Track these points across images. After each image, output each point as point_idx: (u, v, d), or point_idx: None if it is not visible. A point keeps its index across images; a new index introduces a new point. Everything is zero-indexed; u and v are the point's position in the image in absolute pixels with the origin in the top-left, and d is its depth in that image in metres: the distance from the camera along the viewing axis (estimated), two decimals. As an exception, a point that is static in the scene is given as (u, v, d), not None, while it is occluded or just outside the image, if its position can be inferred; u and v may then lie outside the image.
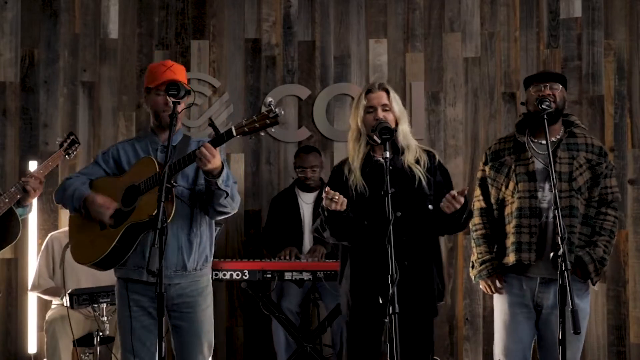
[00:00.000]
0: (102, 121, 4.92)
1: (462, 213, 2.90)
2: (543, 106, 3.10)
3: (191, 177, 3.05)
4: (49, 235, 4.51)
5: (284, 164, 4.96)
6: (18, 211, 3.64)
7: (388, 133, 2.82)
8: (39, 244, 4.60)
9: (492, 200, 3.37)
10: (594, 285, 3.25)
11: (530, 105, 3.29)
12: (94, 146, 4.86)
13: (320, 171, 4.62)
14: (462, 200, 2.84)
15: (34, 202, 3.91)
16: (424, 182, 3.00)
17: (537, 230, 3.19)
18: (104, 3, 4.96)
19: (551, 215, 3.18)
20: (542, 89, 3.24)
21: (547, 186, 3.22)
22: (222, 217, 3.11)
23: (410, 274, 2.93)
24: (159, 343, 2.58)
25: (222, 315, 4.83)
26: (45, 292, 4.39)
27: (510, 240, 3.24)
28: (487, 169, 3.40)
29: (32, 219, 4.63)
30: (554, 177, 2.92)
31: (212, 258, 3.19)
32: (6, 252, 4.62)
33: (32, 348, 4.66)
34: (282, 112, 2.73)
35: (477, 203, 3.42)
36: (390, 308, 2.54)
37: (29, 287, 4.53)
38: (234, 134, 2.75)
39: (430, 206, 3.00)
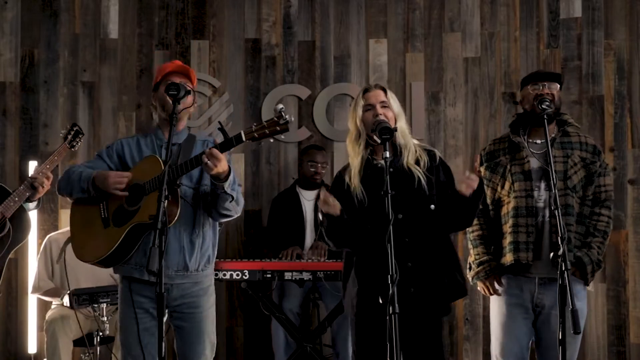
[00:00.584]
0: (102, 121, 4.92)
1: (481, 194, 2.88)
2: (543, 106, 3.10)
3: (196, 177, 3.04)
4: (47, 237, 4.51)
5: (284, 164, 4.96)
6: (29, 206, 3.65)
7: (388, 133, 2.80)
8: (39, 244, 4.60)
9: (488, 201, 3.36)
10: (587, 285, 3.26)
11: (526, 104, 3.28)
12: (94, 146, 4.86)
13: (327, 170, 4.65)
14: (476, 178, 2.82)
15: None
16: (423, 183, 2.98)
17: (534, 229, 3.19)
18: (104, 3, 4.96)
19: (547, 214, 3.18)
20: (541, 88, 3.24)
21: (542, 185, 3.22)
22: (224, 220, 3.10)
23: (414, 275, 2.92)
24: (158, 343, 2.58)
25: (222, 315, 4.83)
26: (45, 293, 4.39)
27: (508, 240, 3.24)
28: (482, 169, 3.40)
29: (32, 219, 4.61)
30: (554, 177, 2.92)
31: (215, 259, 3.18)
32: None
33: (32, 348, 4.67)
34: (293, 119, 2.71)
35: None
36: (390, 308, 2.54)
37: (30, 289, 4.53)
38: (244, 139, 2.73)
39: (432, 206, 2.99)
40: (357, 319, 3.04)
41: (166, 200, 2.73)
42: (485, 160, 3.39)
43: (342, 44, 4.99)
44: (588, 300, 3.45)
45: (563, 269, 2.73)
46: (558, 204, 2.85)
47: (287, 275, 4.09)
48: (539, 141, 3.24)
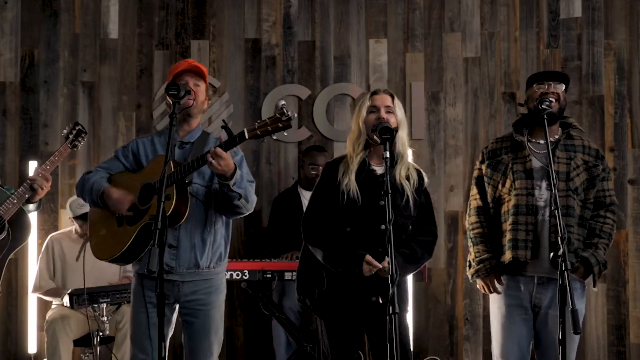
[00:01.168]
0: (102, 121, 4.92)
1: (401, 273, 2.91)
2: (543, 106, 3.10)
3: (208, 175, 3.05)
4: (49, 236, 4.52)
5: (284, 164, 4.96)
6: (29, 208, 3.64)
7: (388, 133, 2.81)
8: (39, 244, 4.60)
9: (489, 199, 3.36)
10: (594, 287, 3.25)
11: (530, 103, 3.28)
12: (94, 146, 4.86)
13: None
14: (385, 273, 2.82)
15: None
16: (411, 202, 3.02)
17: (533, 227, 3.19)
18: (104, 3, 4.96)
19: (547, 214, 3.18)
20: (546, 87, 3.24)
21: (544, 185, 3.22)
22: (236, 217, 3.12)
23: (381, 285, 2.89)
24: (158, 343, 2.59)
25: (222, 315, 4.84)
26: (46, 293, 4.39)
27: (507, 237, 3.24)
28: (483, 167, 3.39)
29: (32, 219, 4.61)
30: (554, 177, 2.92)
31: (227, 257, 3.20)
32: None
33: (32, 348, 4.67)
34: (295, 116, 2.72)
35: (474, 202, 3.41)
36: (391, 308, 2.54)
37: (30, 288, 4.53)
38: (247, 136, 2.75)
39: (410, 227, 3.04)
40: (328, 322, 3.02)
41: (174, 200, 2.81)
42: (487, 158, 3.39)
43: (342, 44, 4.99)
44: (588, 300, 3.46)
45: (563, 269, 2.73)
46: (558, 204, 2.85)
47: (287, 275, 4.09)
48: (541, 141, 3.24)
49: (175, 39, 4.97)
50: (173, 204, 2.86)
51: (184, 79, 3.06)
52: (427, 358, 4.73)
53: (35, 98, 4.87)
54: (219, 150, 2.77)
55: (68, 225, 4.62)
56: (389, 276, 2.59)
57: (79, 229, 4.44)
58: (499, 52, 4.91)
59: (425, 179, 3.13)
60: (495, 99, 4.89)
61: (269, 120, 2.71)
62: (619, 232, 4.60)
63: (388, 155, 2.75)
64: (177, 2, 4.98)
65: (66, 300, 4.06)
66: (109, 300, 4.03)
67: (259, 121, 2.75)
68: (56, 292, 4.34)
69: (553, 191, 2.88)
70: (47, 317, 4.28)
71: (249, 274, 4.09)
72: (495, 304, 3.34)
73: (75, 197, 4.07)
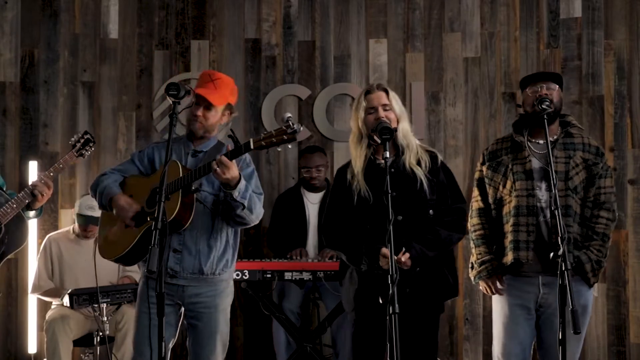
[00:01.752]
0: (102, 121, 4.92)
1: (420, 264, 2.96)
2: (543, 106, 3.10)
3: (217, 183, 3.05)
4: (47, 236, 4.51)
5: (284, 164, 4.96)
6: (29, 215, 3.62)
7: (388, 133, 2.85)
8: (39, 244, 4.60)
9: (490, 200, 3.36)
10: (591, 286, 3.24)
11: (527, 106, 3.28)
12: (94, 146, 4.85)
13: (326, 171, 4.63)
14: (407, 263, 2.90)
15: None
16: (425, 185, 3.02)
17: (534, 228, 3.19)
18: (104, 3, 4.96)
19: (548, 214, 3.18)
20: (539, 89, 3.24)
21: (544, 185, 3.22)
22: (241, 227, 3.15)
23: (412, 276, 2.96)
24: (159, 343, 2.59)
25: (222, 315, 4.84)
26: (45, 293, 4.39)
27: (508, 239, 3.24)
28: (484, 168, 3.40)
29: (32, 219, 4.63)
30: (554, 177, 2.92)
31: (234, 263, 3.21)
32: (6, 253, 4.63)
33: (32, 348, 4.66)
34: (301, 128, 2.75)
35: (475, 203, 3.42)
36: (390, 308, 2.55)
37: (30, 289, 4.53)
38: (252, 147, 2.79)
39: (430, 211, 3.03)
40: (357, 318, 3.06)
41: (177, 206, 2.86)
42: (488, 159, 3.39)
43: (342, 44, 4.99)
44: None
45: (563, 269, 2.73)
46: (558, 204, 2.85)
47: (287, 276, 4.09)
48: (541, 141, 3.24)
49: (175, 39, 4.97)
50: (176, 210, 2.90)
51: (199, 100, 3.07)
52: (427, 358, 4.73)
53: (35, 98, 4.87)
54: (224, 158, 2.80)
55: (68, 225, 4.62)
56: (390, 275, 2.60)
57: (77, 229, 4.44)
58: (499, 52, 4.91)
59: (439, 157, 3.13)
60: (495, 99, 4.89)
61: (275, 132, 2.75)
62: (619, 232, 4.60)
63: (388, 155, 2.79)
64: (177, 2, 4.98)
65: (66, 300, 4.06)
66: (109, 300, 4.03)
67: (264, 132, 2.79)
68: (55, 292, 4.34)
69: (553, 191, 2.88)
70: (47, 317, 4.28)
71: (249, 274, 4.09)
72: (499, 304, 3.34)
73: (88, 195, 4.05)
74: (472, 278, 3.39)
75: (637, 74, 4.74)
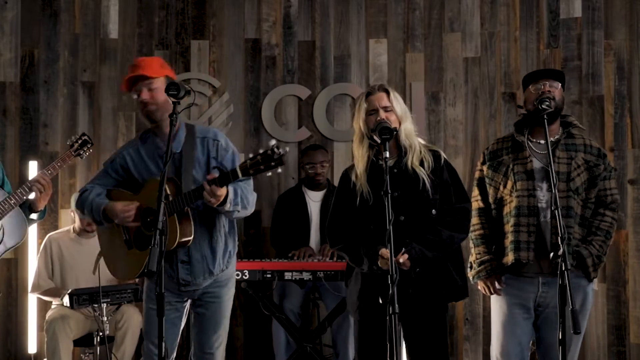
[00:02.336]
0: (102, 121, 4.92)
1: (419, 265, 2.97)
2: (543, 106, 3.09)
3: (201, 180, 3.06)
4: (47, 236, 4.51)
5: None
6: (33, 217, 3.61)
7: (388, 133, 2.85)
8: (39, 244, 4.60)
9: (490, 200, 3.36)
10: (590, 281, 3.24)
11: (529, 104, 3.27)
12: (94, 146, 4.84)
13: (328, 168, 4.64)
14: (407, 263, 2.90)
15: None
16: (428, 185, 3.01)
17: (535, 229, 3.19)
18: (104, 3, 4.96)
19: (549, 215, 3.17)
20: (542, 86, 3.23)
21: (545, 186, 3.22)
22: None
23: (414, 276, 2.97)
24: (159, 343, 2.60)
25: (222, 315, 4.83)
26: (45, 293, 4.39)
27: (509, 239, 3.24)
28: (484, 168, 3.39)
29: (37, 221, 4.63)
30: (554, 177, 2.92)
31: (236, 249, 3.25)
32: (6, 252, 4.62)
33: (32, 348, 4.66)
34: (287, 150, 2.75)
35: (475, 203, 3.41)
36: (390, 308, 2.55)
37: (29, 288, 4.53)
38: (239, 175, 2.79)
39: (433, 211, 3.02)
40: (360, 318, 3.06)
41: (178, 232, 2.91)
42: (488, 159, 3.39)
43: (342, 44, 4.99)
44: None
45: (563, 269, 2.73)
46: (558, 204, 2.85)
47: (287, 275, 4.09)
48: (542, 142, 3.23)
49: (175, 39, 4.97)
50: (177, 236, 2.93)
51: (138, 88, 3.03)
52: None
53: (35, 98, 4.87)
54: (214, 188, 2.81)
55: (68, 225, 4.62)
56: (390, 275, 2.60)
57: (77, 228, 4.44)
58: (499, 52, 4.91)
59: (443, 156, 3.11)
60: (495, 99, 4.89)
61: (261, 159, 2.74)
62: (619, 232, 4.60)
63: (388, 155, 2.80)
64: (177, 2, 4.98)
65: (66, 300, 4.06)
66: (109, 300, 4.03)
67: (251, 158, 2.77)
68: (55, 292, 4.34)
69: (553, 191, 2.88)
70: (47, 317, 4.28)
71: (249, 274, 4.10)
72: (497, 304, 3.34)
73: None
74: (471, 278, 3.39)
75: (637, 74, 4.74)
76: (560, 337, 2.75)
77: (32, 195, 3.55)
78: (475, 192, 3.43)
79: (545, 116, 3.06)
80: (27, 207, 3.57)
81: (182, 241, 2.98)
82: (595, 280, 3.34)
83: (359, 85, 4.92)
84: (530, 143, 3.29)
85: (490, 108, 4.89)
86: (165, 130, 3.04)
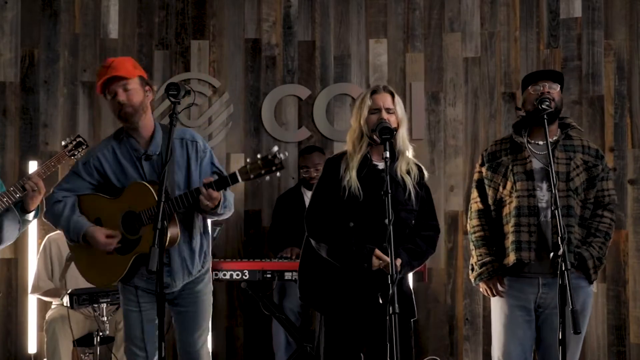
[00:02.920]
0: (102, 121, 4.92)
1: (407, 272, 2.99)
2: (543, 106, 3.10)
3: (183, 185, 3.05)
4: (46, 237, 4.51)
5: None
6: (28, 217, 3.60)
7: (388, 133, 2.86)
8: (39, 244, 4.60)
9: (490, 201, 3.36)
10: (591, 283, 3.24)
11: (528, 104, 3.27)
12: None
13: None
14: (398, 269, 2.87)
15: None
16: (412, 195, 3.04)
17: (535, 229, 3.18)
18: (104, 3, 4.96)
19: (549, 215, 3.17)
20: (542, 87, 3.23)
21: (544, 186, 3.22)
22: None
23: (383, 281, 2.91)
24: (159, 343, 2.59)
25: (222, 315, 4.83)
26: (45, 293, 4.39)
27: (510, 239, 3.23)
28: (483, 170, 3.39)
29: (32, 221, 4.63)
30: (554, 177, 2.92)
31: (210, 248, 3.24)
32: (6, 252, 4.64)
33: (32, 348, 4.67)
34: (287, 154, 2.77)
35: (475, 205, 3.41)
36: (390, 308, 2.56)
37: (29, 289, 4.53)
38: (239, 179, 2.79)
39: (412, 221, 3.06)
40: (330, 315, 3.04)
41: (168, 234, 2.86)
42: (487, 160, 3.38)
43: (342, 44, 4.99)
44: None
45: (563, 269, 2.73)
46: (558, 204, 2.85)
47: (287, 275, 4.09)
48: (541, 142, 3.23)
49: (175, 39, 4.97)
50: (168, 239, 2.88)
51: (112, 90, 2.99)
52: (427, 358, 4.73)
53: (35, 98, 4.87)
54: (211, 191, 2.81)
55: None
56: (390, 275, 2.60)
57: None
58: (499, 52, 4.91)
59: (426, 173, 3.16)
60: (495, 99, 4.89)
61: (261, 163, 2.76)
62: (619, 232, 4.60)
63: (388, 155, 2.80)
64: (177, 2, 4.98)
65: (66, 300, 4.06)
66: (109, 300, 4.03)
67: (250, 162, 2.77)
68: (55, 293, 4.34)
69: (553, 191, 2.88)
70: (47, 317, 4.28)
71: (249, 274, 4.09)
72: (498, 305, 3.33)
73: None
74: (472, 280, 3.38)
75: (637, 74, 4.74)
76: (560, 337, 2.75)
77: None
78: (475, 194, 3.42)
79: (545, 116, 3.07)
80: (19, 208, 3.55)
81: (170, 243, 2.95)
82: (595, 282, 3.34)
83: (359, 85, 4.92)
84: (528, 144, 3.29)
85: (490, 108, 4.90)
86: (142, 131, 3.03)
